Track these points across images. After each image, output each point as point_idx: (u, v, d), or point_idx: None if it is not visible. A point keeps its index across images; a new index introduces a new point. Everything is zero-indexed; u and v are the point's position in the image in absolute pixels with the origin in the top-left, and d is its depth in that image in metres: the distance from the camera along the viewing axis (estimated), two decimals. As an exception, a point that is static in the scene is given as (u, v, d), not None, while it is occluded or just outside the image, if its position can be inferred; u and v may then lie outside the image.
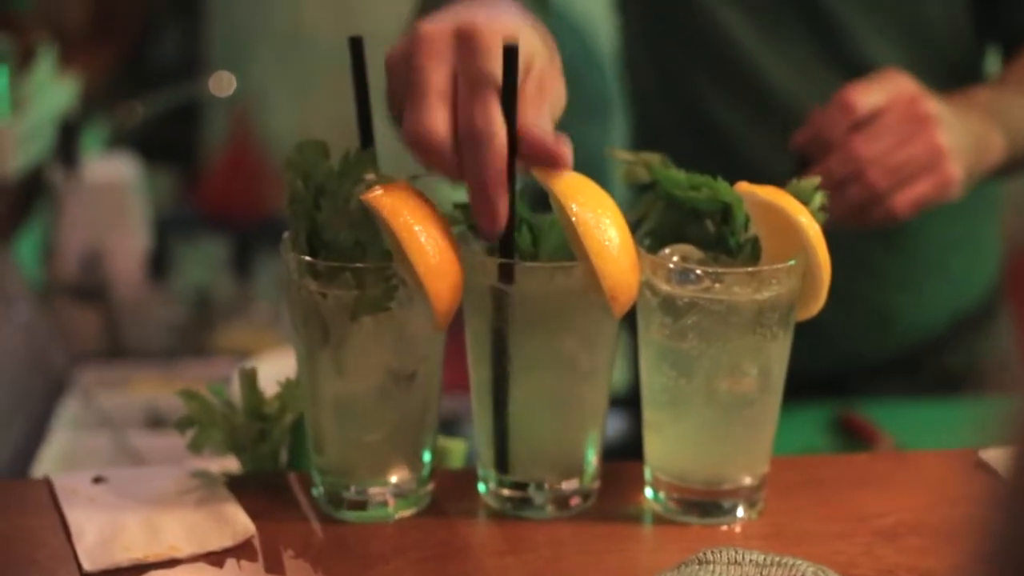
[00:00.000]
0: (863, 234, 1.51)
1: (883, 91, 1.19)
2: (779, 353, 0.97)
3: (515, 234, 0.94)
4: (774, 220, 0.94)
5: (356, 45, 0.96)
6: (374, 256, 0.92)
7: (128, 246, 2.01)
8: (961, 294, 1.63)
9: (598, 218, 0.91)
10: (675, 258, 0.96)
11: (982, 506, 0.52)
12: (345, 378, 0.94)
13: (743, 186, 0.95)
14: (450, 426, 1.14)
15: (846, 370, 1.62)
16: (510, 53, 0.88)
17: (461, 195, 0.96)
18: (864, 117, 1.18)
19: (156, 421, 1.66)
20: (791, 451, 1.25)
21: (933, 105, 1.19)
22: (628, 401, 1.45)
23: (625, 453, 1.10)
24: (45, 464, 1.52)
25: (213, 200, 2.80)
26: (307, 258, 0.92)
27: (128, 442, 1.55)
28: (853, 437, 1.65)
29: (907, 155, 1.18)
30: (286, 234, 0.94)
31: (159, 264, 2.01)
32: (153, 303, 1.98)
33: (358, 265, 0.91)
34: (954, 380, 1.64)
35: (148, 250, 2.03)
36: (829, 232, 0.95)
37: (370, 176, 0.92)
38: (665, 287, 0.95)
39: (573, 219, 0.91)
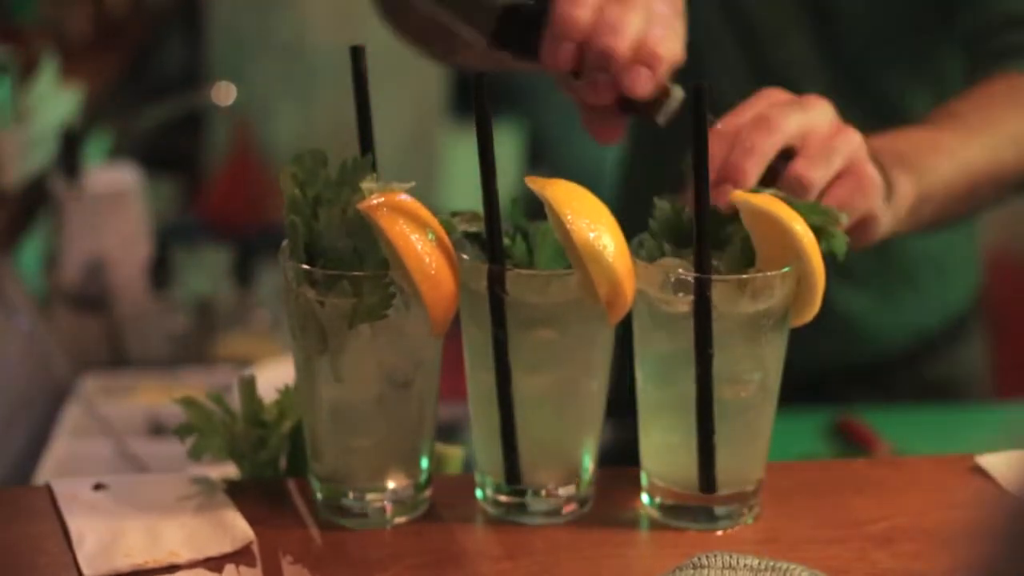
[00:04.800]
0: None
1: (806, 113, 1.05)
2: (774, 360, 0.98)
3: (510, 241, 0.95)
4: (768, 228, 0.95)
5: (357, 53, 0.98)
6: (372, 264, 0.93)
7: (130, 255, 2.01)
8: (931, 311, 1.64)
9: (593, 226, 0.92)
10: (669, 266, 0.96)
11: (982, 515, 0.52)
12: (343, 385, 0.95)
13: (737, 194, 0.96)
14: (447, 433, 1.15)
15: (819, 374, 1.62)
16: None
17: (458, 204, 0.97)
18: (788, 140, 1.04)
19: (157, 429, 1.66)
20: (790, 457, 1.25)
21: (857, 135, 1.06)
22: (622, 409, 1.45)
23: (618, 461, 1.11)
24: (47, 471, 1.52)
25: (215, 209, 2.82)
26: (305, 266, 0.93)
27: (129, 450, 1.56)
28: (851, 443, 1.66)
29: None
30: (284, 242, 0.95)
31: (161, 273, 2.01)
32: (155, 312, 1.99)
33: (356, 273, 0.92)
34: (932, 390, 1.65)
35: (150, 259, 2.04)
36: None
37: (368, 185, 0.93)
38: (659, 295, 0.96)
39: (568, 228, 0.92)
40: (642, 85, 1.02)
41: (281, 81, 3.40)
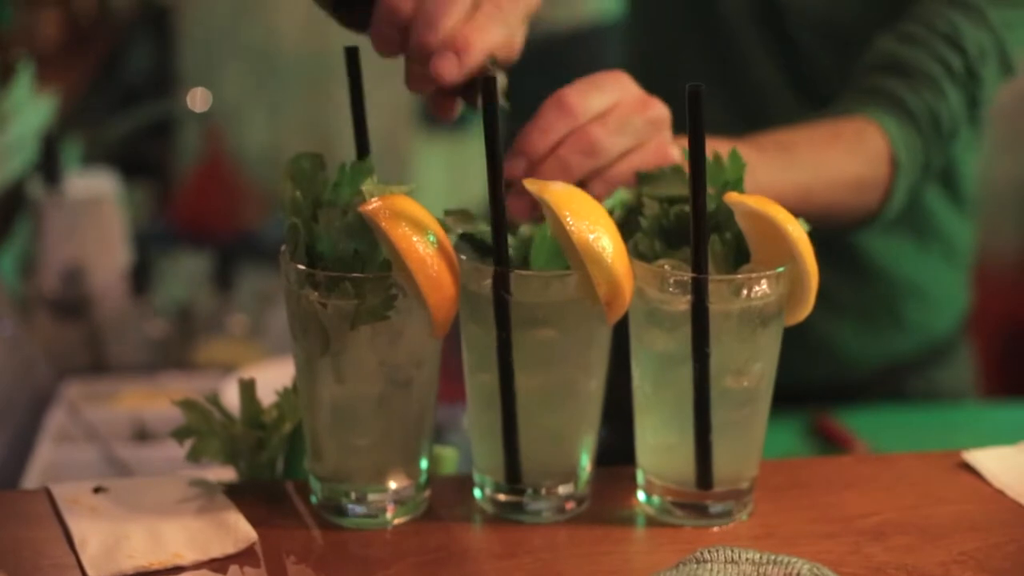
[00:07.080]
0: (823, 262, 1.52)
1: (605, 94, 1.05)
2: (768, 359, 0.99)
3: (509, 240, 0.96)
4: (763, 228, 0.97)
5: (352, 55, 0.99)
6: (373, 266, 0.94)
7: (109, 261, 2.01)
8: (911, 339, 1.66)
9: (592, 228, 0.93)
10: (666, 267, 0.98)
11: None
12: (344, 385, 0.96)
13: (732, 196, 0.97)
14: (438, 434, 1.16)
15: (794, 388, 1.64)
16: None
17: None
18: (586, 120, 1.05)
19: (141, 434, 1.66)
20: (768, 457, 1.27)
21: (662, 108, 1.08)
22: (616, 409, 1.46)
23: (612, 461, 1.12)
24: (33, 477, 1.52)
25: (188, 214, 2.81)
26: (307, 268, 0.94)
27: (115, 455, 1.56)
28: (828, 443, 1.67)
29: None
30: (283, 246, 0.96)
31: (140, 279, 2.01)
32: (134, 317, 1.99)
33: (358, 275, 0.93)
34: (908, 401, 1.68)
35: (129, 265, 2.04)
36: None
37: (368, 187, 0.94)
38: (657, 295, 0.97)
39: (568, 229, 0.93)
40: (447, 72, 1.01)
41: (251, 87, 3.40)
